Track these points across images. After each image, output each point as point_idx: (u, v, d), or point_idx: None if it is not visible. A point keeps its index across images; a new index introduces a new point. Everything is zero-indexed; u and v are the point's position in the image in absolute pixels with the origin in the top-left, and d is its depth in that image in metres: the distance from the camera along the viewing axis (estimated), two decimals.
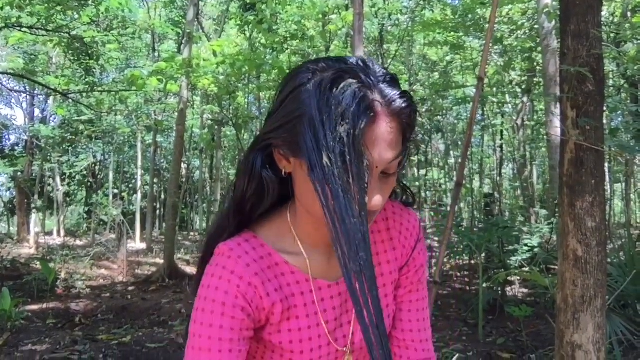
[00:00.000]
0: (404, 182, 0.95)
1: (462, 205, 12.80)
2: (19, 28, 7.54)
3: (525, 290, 6.84)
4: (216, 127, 11.75)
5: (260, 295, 0.80)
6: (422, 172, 15.61)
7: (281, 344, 0.84)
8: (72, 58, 13.81)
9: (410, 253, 0.94)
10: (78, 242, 14.09)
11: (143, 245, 13.89)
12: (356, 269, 0.67)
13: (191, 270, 9.76)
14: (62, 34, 8.35)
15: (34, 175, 16.26)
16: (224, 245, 0.82)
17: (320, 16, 9.71)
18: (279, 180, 0.81)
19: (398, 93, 0.72)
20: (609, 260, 5.23)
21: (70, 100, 11.36)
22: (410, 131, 0.76)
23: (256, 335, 0.84)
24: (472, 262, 7.13)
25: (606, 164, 12.15)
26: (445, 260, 7.70)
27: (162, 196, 19.67)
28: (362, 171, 0.67)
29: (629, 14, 7.97)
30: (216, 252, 0.83)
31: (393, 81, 0.74)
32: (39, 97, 16.39)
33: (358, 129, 0.67)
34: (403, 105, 0.72)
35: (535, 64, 10.84)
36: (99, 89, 11.50)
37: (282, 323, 0.83)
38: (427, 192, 14.10)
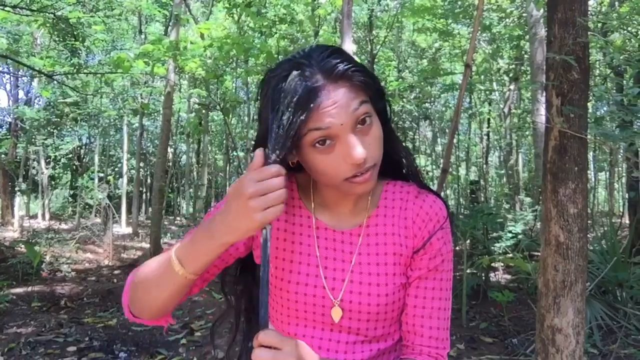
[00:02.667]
0: (415, 167, 1.03)
1: (448, 191, 12.89)
2: (2, 7, 7.38)
3: (508, 276, 6.94)
4: (203, 111, 11.67)
5: None
6: None
7: (276, 269, 0.97)
8: (57, 39, 13.61)
9: (427, 237, 0.95)
10: (63, 226, 13.99)
11: (129, 229, 13.83)
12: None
13: None
14: (47, 14, 8.19)
15: (18, 157, 16.04)
16: None
17: (310, 0, 9.64)
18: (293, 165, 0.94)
19: (337, 61, 0.84)
20: (591, 247, 5.32)
21: (55, 82, 11.20)
22: (368, 85, 0.87)
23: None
24: (457, 248, 7.20)
25: (591, 153, 12.29)
26: None
27: (149, 180, 19.59)
28: (286, 147, 0.81)
29: (616, 3, 8.02)
30: None
31: (334, 53, 0.86)
32: (23, 78, 16.13)
33: (297, 117, 0.81)
34: (343, 68, 0.84)
35: (522, 52, 10.88)
36: (85, 70, 11.35)
37: (278, 240, 0.98)
38: None
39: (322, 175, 0.88)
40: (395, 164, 1.01)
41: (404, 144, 1.01)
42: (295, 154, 0.89)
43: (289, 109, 0.81)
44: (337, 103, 0.82)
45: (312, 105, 0.81)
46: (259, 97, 0.91)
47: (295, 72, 0.83)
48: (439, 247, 0.95)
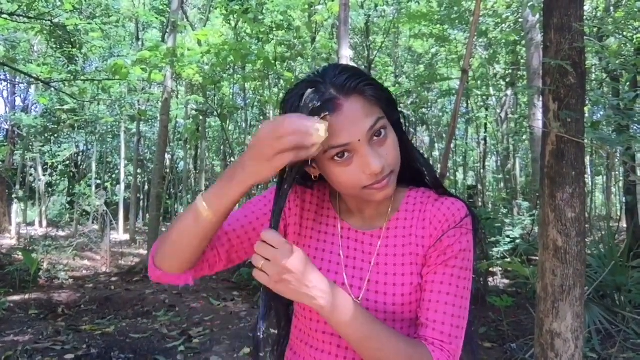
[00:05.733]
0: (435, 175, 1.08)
1: None
2: None
3: (507, 281, 6.94)
4: (201, 117, 11.65)
5: (297, 201, 1.09)
6: None
7: None
8: (54, 46, 13.61)
9: (439, 235, 0.98)
10: (60, 233, 13.94)
11: (126, 236, 13.80)
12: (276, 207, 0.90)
13: None
14: (44, 21, 8.20)
15: (15, 165, 16.02)
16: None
17: (307, 6, 9.66)
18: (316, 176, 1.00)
19: (347, 77, 0.89)
20: (589, 251, 5.33)
21: (53, 89, 11.19)
22: (381, 99, 0.92)
23: None
24: None
25: (588, 157, 12.32)
26: None
27: (146, 187, 19.53)
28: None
29: (611, 8, 8.05)
30: None
31: (345, 70, 0.92)
32: (21, 85, 16.13)
33: None
34: (354, 84, 0.89)
35: (519, 57, 10.92)
36: (82, 77, 11.34)
37: (305, 238, 1.07)
38: None
39: (342, 186, 0.94)
40: (416, 172, 1.06)
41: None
42: (315, 167, 0.96)
43: None
44: (353, 119, 0.88)
45: (327, 116, 0.86)
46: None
47: (309, 90, 0.89)
48: (449, 243, 0.97)
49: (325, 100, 0.87)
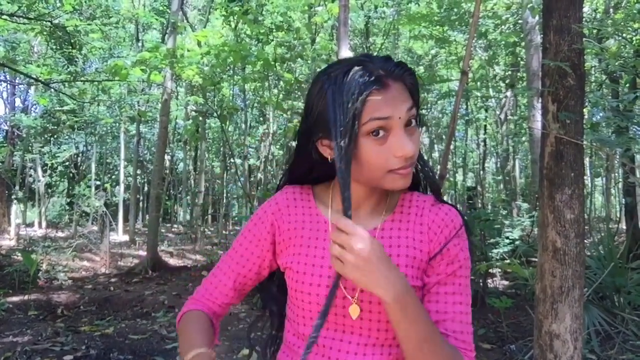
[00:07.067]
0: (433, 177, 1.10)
1: (445, 198, 12.87)
2: None
3: (506, 282, 6.93)
4: (200, 118, 11.66)
5: (283, 217, 1.07)
6: None
7: (297, 272, 1.02)
8: (54, 47, 13.62)
9: (442, 244, 0.99)
10: (60, 234, 13.94)
11: (126, 237, 13.78)
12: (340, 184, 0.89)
13: (174, 262, 9.72)
14: (44, 22, 8.21)
15: (14, 165, 16.02)
16: (285, 187, 1.13)
17: (306, 8, 9.68)
18: (326, 163, 1.00)
19: (395, 64, 0.94)
20: (588, 253, 5.33)
21: (52, 90, 11.19)
22: (415, 91, 0.96)
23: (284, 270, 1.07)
24: None
25: (587, 159, 12.33)
26: None
27: (146, 188, 19.54)
28: (354, 134, 0.88)
29: (611, 10, 8.07)
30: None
31: (389, 58, 0.95)
32: (20, 86, 16.13)
33: (359, 103, 0.88)
34: (401, 72, 0.93)
35: (518, 58, 10.93)
36: (82, 78, 11.34)
37: (295, 247, 1.05)
38: None
39: (369, 165, 0.92)
40: (415, 178, 1.06)
41: None
42: (329, 148, 0.98)
43: (353, 96, 0.87)
44: (397, 98, 0.90)
45: (376, 90, 0.88)
46: (311, 94, 0.98)
47: (357, 67, 0.90)
48: (455, 252, 0.98)
49: (376, 75, 0.89)
